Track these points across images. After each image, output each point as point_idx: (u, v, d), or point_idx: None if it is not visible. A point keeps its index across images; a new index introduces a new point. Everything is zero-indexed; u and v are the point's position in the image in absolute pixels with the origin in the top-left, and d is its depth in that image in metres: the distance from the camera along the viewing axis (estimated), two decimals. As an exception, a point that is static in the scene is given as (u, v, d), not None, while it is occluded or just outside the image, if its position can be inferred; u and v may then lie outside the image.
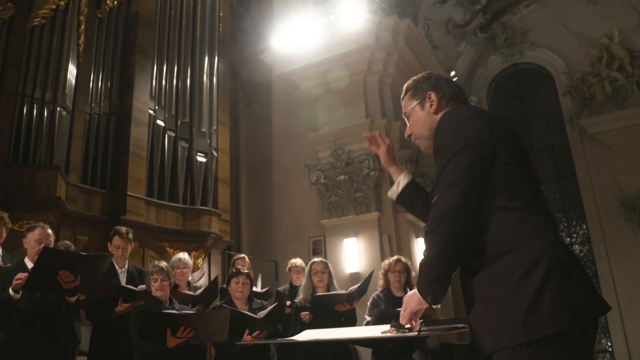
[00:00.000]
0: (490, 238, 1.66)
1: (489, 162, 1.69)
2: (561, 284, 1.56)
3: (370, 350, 4.55)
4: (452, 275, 1.70)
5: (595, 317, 1.62)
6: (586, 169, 10.00)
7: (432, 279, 1.69)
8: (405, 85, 2.07)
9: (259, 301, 4.24)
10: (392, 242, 7.71)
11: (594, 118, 9.89)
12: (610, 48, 10.13)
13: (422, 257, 1.74)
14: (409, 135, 2.05)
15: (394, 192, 2.20)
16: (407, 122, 2.06)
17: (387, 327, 2.20)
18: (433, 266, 1.68)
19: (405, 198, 2.17)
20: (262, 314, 3.80)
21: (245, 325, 3.76)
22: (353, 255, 7.76)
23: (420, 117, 1.98)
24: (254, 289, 4.93)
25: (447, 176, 1.69)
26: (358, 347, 6.87)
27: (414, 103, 1.99)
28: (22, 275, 3.46)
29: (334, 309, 4.25)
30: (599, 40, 10.25)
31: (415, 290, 1.79)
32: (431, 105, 1.95)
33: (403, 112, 2.07)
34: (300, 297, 4.46)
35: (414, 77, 2.07)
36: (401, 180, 2.17)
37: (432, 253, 1.68)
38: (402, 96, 2.08)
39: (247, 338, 3.75)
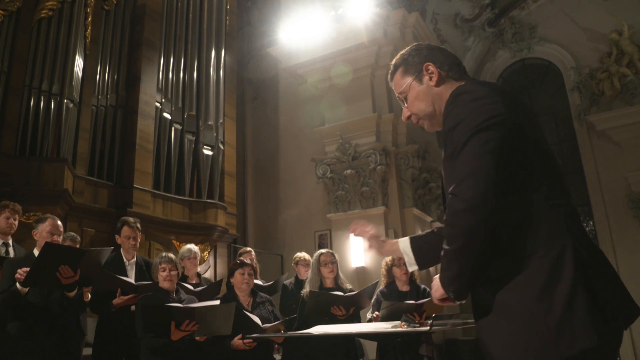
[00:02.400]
0: (506, 239, 1.46)
1: (509, 147, 1.46)
2: (592, 289, 1.37)
3: (375, 344, 4.53)
4: (474, 271, 1.51)
5: (631, 320, 1.43)
6: (594, 165, 9.93)
7: (453, 275, 1.52)
8: (392, 63, 1.83)
9: (262, 295, 4.14)
10: (398, 237, 7.65)
11: (603, 114, 9.81)
12: (619, 43, 10.03)
13: (443, 250, 1.55)
14: (409, 117, 1.81)
15: (411, 264, 1.91)
16: (402, 103, 1.82)
17: (397, 322, 2.19)
18: (454, 262, 1.50)
19: (425, 258, 1.89)
20: (267, 325, 3.63)
21: (245, 328, 3.60)
22: (359, 249, 7.75)
23: (420, 93, 1.74)
24: (257, 281, 4.92)
25: (466, 161, 1.45)
26: (363, 342, 6.85)
27: (409, 79, 1.76)
28: (24, 270, 3.46)
29: (329, 311, 4.14)
30: (608, 36, 10.16)
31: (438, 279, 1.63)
32: (431, 77, 1.73)
33: (397, 92, 1.82)
34: (306, 290, 4.41)
35: (401, 52, 1.83)
36: (406, 250, 1.90)
37: (452, 247, 1.48)
38: (390, 76, 1.85)
39: (237, 342, 3.59)
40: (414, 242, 1.90)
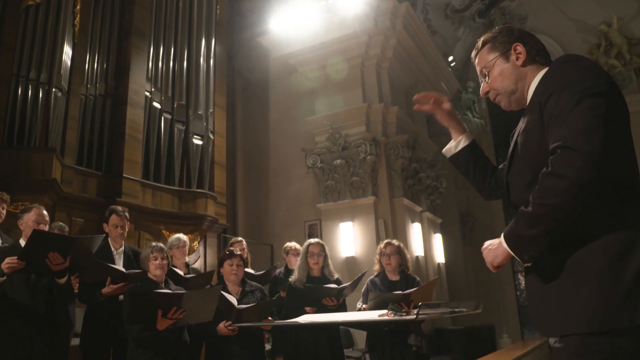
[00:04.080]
0: (598, 203, 1.43)
1: (615, 117, 1.46)
2: None
3: (365, 335, 4.56)
4: (560, 234, 1.47)
5: None
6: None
7: (538, 234, 1.47)
8: (481, 39, 1.87)
9: (252, 284, 4.15)
10: (387, 227, 7.73)
11: (591, 105, 9.88)
12: (608, 35, 10.10)
13: (531, 205, 1.49)
14: (486, 93, 1.84)
15: (449, 150, 2.05)
16: (483, 79, 1.85)
17: (384, 311, 2.21)
18: (547, 217, 1.45)
19: (461, 160, 2.03)
20: (242, 306, 3.62)
21: (222, 312, 3.60)
22: (349, 239, 7.80)
23: (504, 70, 1.77)
24: (248, 270, 4.93)
25: (582, 118, 1.43)
26: (353, 332, 6.89)
27: (495, 55, 1.79)
28: (12, 260, 3.44)
29: (321, 302, 4.17)
30: (597, 27, 10.23)
31: (499, 243, 1.61)
32: (518, 57, 1.75)
33: (479, 68, 1.85)
34: (295, 277, 4.42)
35: (492, 31, 1.87)
36: (462, 140, 2.02)
37: (548, 201, 1.43)
38: (475, 52, 1.88)
39: (221, 327, 3.61)
40: (474, 143, 2.03)
